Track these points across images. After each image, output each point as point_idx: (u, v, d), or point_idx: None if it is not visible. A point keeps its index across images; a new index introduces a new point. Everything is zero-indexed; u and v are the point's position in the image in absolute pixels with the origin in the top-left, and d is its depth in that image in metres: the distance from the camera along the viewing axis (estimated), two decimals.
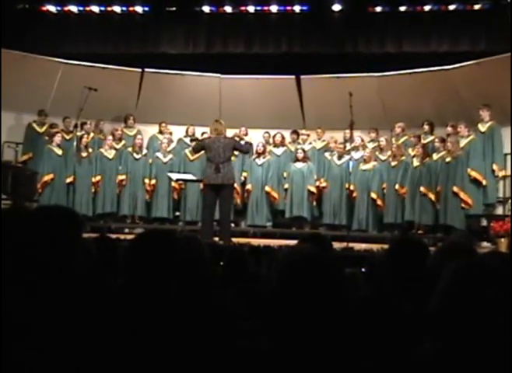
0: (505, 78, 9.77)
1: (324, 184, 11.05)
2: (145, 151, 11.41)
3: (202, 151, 9.64)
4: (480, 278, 1.58)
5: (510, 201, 9.89)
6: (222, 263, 3.84)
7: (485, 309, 1.53)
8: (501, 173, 9.99)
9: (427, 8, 11.28)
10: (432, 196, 9.96)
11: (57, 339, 1.91)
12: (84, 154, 10.85)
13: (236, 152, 9.88)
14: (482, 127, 10.11)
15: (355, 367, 1.78)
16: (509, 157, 10.04)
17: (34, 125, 11.36)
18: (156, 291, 2.14)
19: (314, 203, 11.14)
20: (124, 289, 2.20)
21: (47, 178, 10.62)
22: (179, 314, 2.12)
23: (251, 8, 11.84)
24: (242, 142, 10.01)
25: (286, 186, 11.14)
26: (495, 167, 9.98)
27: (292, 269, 1.85)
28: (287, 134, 11.68)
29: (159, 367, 2.01)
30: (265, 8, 11.83)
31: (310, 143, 11.61)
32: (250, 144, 10.65)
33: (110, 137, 11.28)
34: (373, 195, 10.59)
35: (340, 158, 10.95)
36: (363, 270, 4.02)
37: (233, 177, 8.97)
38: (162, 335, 2.04)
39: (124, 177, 11.14)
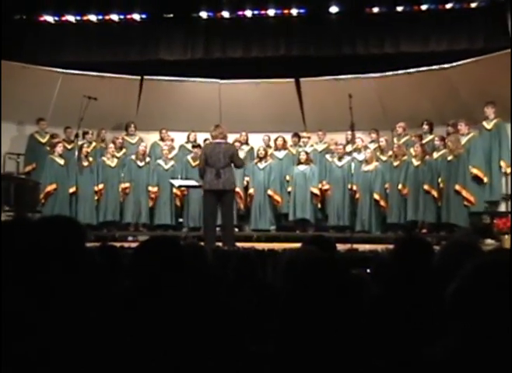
0: (504, 75, 9.77)
1: (326, 186, 11.04)
2: (148, 158, 11.42)
3: None
4: (504, 276, 1.57)
5: None
6: (231, 268, 3.84)
7: (500, 308, 1.52)
8: (508, 170, 9.98)
9: (424, 7, 11.27)
10: (435, 194, 9.97)
11: (62, 345, 1.91)
12: (85, 163, 10.85)
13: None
14: (488, 125, 10.11)
15: (367, 366, 1.78)
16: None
17: (36, 136, 11.38)
18: (161, 295, 2.14)
19: (318, 205, 11.15)
20: (129, 295, 2.20)
21: (49, 188, 10.62)
22: (186, 317, 2.12)
23: (249, 13, 11.82)
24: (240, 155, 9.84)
25: (289, 188, 11.15)
26: (502, 164, 9.96)
27: (295, 270, 1.85)
28: (288, 137, 11.69)
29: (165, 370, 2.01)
30: (263, 12, 11.82)
31: (312, 145, 11.62)
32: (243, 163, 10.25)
33: (112, 146, 11.28)
34: (376, 196, 10.58)
35: (340, 159, 10.95)
36: (369, 270, 4.01)
37: (234, 182, 8.96)
38: (168, 339, 2.03)
39: (127, 185, 11.14)
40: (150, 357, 1.98)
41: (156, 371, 2.00)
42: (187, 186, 10.46)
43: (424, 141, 10.59)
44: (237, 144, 11.39)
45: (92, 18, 12.04)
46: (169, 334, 2.04)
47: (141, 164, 11.21)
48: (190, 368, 2.01)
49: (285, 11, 11.80)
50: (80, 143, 10.83)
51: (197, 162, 11.01)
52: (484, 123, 10.13)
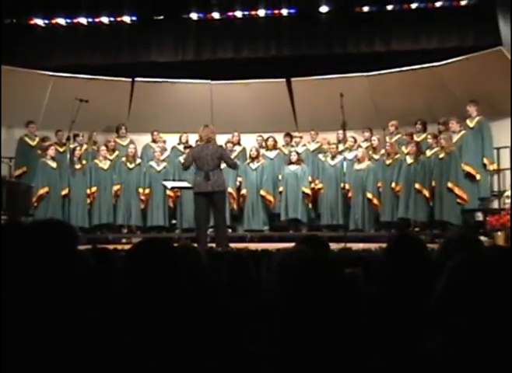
0: (494, 72, 9.83)
1: (319, 186, 11.05)
2: (138, 160, 11.41)
3: None
4: (483, 270, 1.57)
5: (508, 193, 9.86)
6: (225, 269, 3.83)
7: (487, 301, 1.52)
8: (492, 167, 10.06)
9: (414, 5, 11.30)
10: (426, 193, 9.98)
11: (62, 345, 1.91)
12: (78, 166, 10.84)
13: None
14: (471, 123, 10.20)
15: (367, 366, 1.78)
16: (504, 150, 10.07)
17: (26, 139, 11.34)
18: (156, 298, 2.13)
19: (310, 205, 11.15)
20: (123, 297, 2.20)
21: (42, 191, 10.59)
22: (185, 317, 2.11)
23: (239, 13, 11.83)
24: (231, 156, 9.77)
25: (280, 188, 11.16)
26: (486, 161, 10.05)
27: (288, 270, 1.85)
28: (280, 137, 11.69)
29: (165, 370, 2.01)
30: (253, 12, 11.82)
31: (304, 145, 11.63)
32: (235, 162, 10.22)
33: (104, 148, 11.27)
34: (369, 195, 10.60)
35: (333, 158, 10.96)
36: (363, 269, 4.01)
37: (224, 184, 8.93)
38: (168, 339, 2.03)
39: (118, 187, 11.14)
40: (150, 357, 1.98)
41: (156, 371, 1.99)
42: (180, 188, 10.45)
43: (418, 140, 10.62)
44: (229, 144, 11.42)
45: (83, 21, 12.00)
46: (169, 334, 2.03)
47: (131, 166, 11.21)
48: (190, 368, 2.01)
49: (276, 11, 11.80)
50: (72, 146, 10.81)
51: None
52: (467, 122, 10.20)
